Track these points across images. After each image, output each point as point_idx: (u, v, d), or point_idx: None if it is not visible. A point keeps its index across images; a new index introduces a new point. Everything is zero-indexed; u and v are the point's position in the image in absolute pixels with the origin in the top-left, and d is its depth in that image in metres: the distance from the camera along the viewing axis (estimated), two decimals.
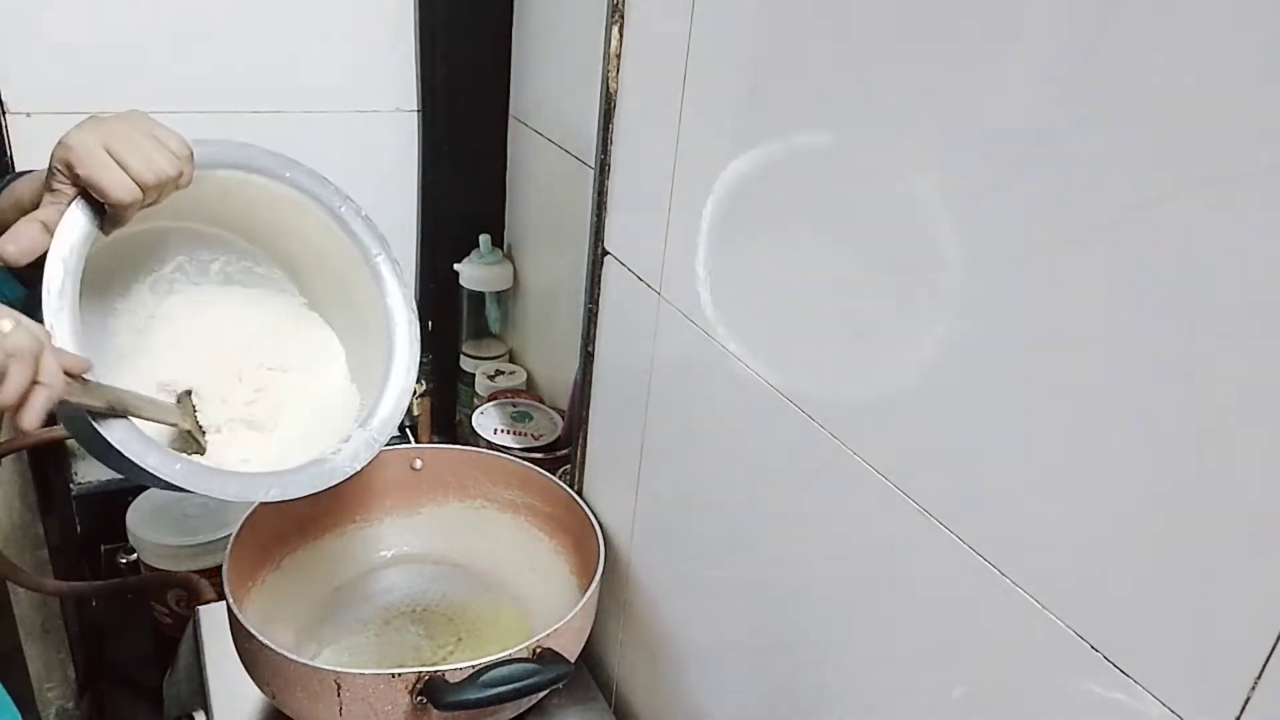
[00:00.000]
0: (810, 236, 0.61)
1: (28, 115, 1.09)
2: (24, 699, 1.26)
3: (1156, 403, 0.41)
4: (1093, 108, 0.42)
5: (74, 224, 0.66)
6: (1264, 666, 0.38)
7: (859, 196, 0.57)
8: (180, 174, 0.68)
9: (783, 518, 0.68)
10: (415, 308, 0.85)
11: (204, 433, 0.81)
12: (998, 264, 0.48)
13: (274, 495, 0.75)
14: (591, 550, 0.91)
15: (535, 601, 0.98)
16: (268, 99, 1.18)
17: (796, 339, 0.64)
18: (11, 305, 0.70)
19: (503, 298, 1.31)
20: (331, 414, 0.85)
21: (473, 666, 0.76)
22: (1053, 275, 0.45)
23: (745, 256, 0.68)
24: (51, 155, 0.66)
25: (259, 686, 0.82)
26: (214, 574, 1.15)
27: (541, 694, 0.84)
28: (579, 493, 0.99)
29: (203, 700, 0.90)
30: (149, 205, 0.68)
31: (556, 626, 0.81)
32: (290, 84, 1.18)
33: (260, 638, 0.76)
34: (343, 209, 0.82)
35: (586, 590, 0.86)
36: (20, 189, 0.71)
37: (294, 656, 0.75)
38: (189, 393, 0.81)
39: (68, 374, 0.62)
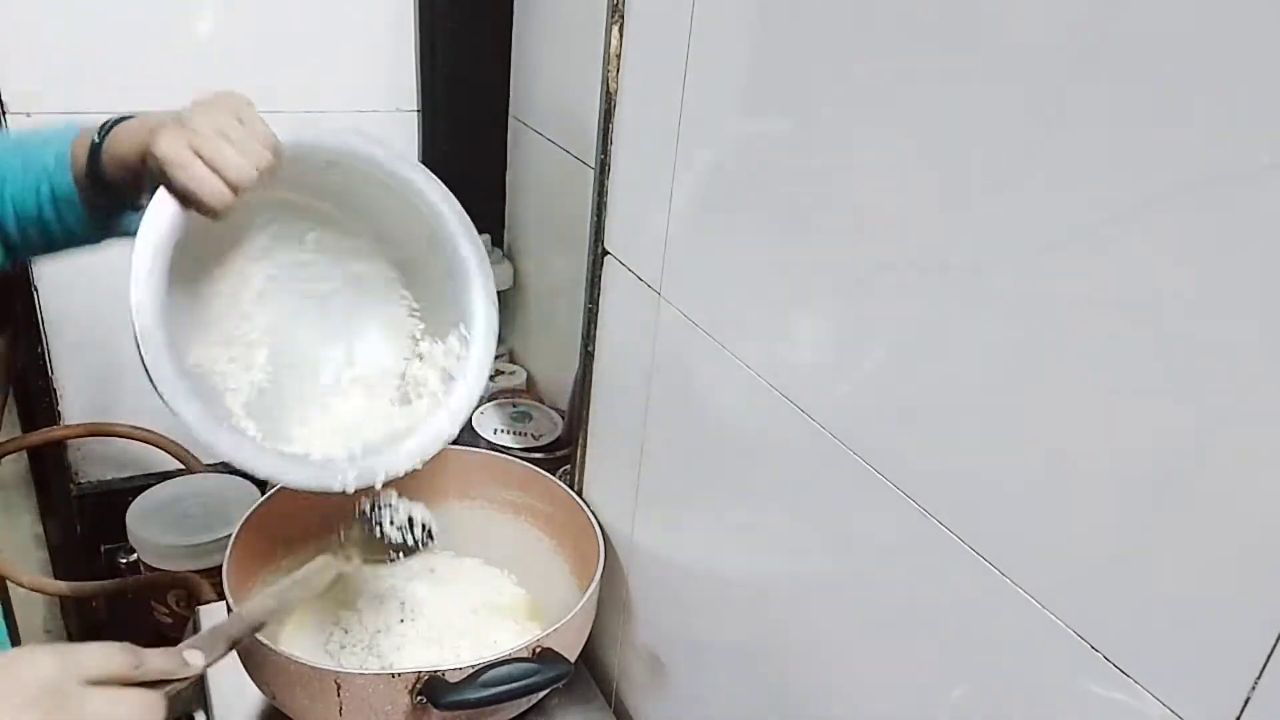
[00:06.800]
0: (811, 236, 0.61)
1: (28, 115, 1.09)
2: None
3: (1157, 403, 0.41)
4: (1094, 109, 0.42)
5: (162, 212, 0.65)
6: (1264, 666, 0.38)
7: (860, 195, 0.57)
8: (272, 165, 0.67)
9: (783, 517, 0.68)
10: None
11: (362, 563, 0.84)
12: (999, 263, 0.48)
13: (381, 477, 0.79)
14: (591, 550, 0.91)
15: (535, 602, 0.98)
16: (267, 99, 1.16)
17: (797, 339, 0.64)
18: (57, 198, 0.71)
19: (503, 298, 1.30)
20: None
21: (473, 666, 0.76)
22: (1053, 274, 0.45)
23: (746, 256, 0.68)
24: (148, 159, 0.65)
25: (259, 686, 0.82)
26: (214, 574, 1.15)
27: (541, 694, 0.84)
28: (579, 493, 0.99)
29: (203, 700, 0.90)
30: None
31: (556, 626, 0.81)
32: (290, 84, 1.18)
33: (260, 638, 0.76)
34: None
35: (586, 590, 0.86)
36: (122, 148, 0.69)
37: (294, 656, 0.76)
38: (363, 516, 0.85)
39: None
